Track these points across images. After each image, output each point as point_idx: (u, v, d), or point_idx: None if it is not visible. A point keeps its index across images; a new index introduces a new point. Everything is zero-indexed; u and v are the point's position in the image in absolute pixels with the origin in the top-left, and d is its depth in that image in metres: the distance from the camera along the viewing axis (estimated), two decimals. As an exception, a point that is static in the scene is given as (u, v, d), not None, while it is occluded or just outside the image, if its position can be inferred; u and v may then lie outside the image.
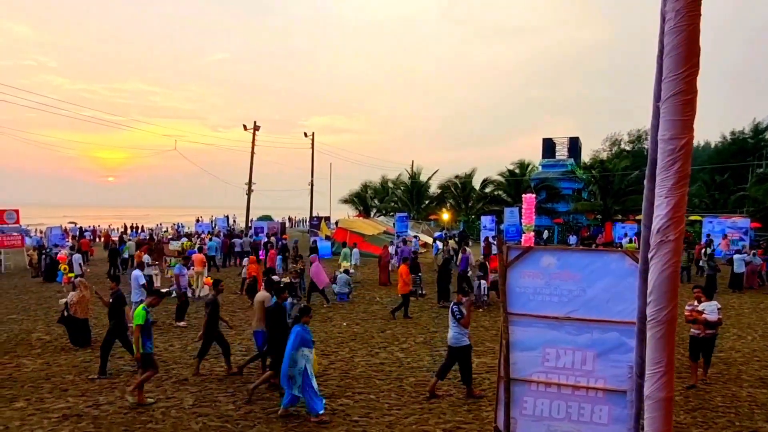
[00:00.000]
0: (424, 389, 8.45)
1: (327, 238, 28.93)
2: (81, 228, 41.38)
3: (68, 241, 29.88)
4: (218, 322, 9.45)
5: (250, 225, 38.66)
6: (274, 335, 8.11)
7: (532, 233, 26.86)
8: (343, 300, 16.17)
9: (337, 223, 35.19)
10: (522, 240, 26.54)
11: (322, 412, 7.22)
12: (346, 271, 16.09)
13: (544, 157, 51.35)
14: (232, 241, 26.96)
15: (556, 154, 51.73)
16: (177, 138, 69.76)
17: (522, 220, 28.24)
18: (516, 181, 42.34)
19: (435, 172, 49.06)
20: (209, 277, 17.33)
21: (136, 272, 13.09)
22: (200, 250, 19.77)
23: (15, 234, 23.95)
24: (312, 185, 43.75)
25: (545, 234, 38.60)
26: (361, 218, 41.16)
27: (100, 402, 7.89)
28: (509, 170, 43.90)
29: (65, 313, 11.16)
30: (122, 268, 23.37)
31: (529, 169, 45.41)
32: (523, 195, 28.69)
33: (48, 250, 23.13)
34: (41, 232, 39.42)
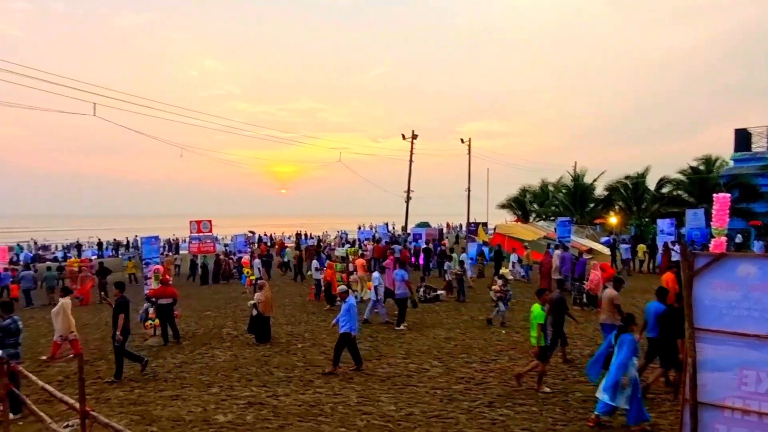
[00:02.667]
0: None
1: (485, 243, 28.56)
2: (259, 236, 46.29)
3: (249, 248, 33.57)
4: (564, 317, 10.18)
5: (408, 231, 39.72)
6: (668, 339, 7.94)
7: (724, 238, 23.50)
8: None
9: (495, 228, 34.56)
10: (710, 245, 23.34)
11: (650, 419, 6.95)
12: (503, 277, 15.59)
13: (736, 150, 44.65)
14: (392, 247, 27.95)
15: (753, 146, 44.70)
16: (341, 150, 74.62)
17: (711, 223, 24.86)
18: (700, 179, 37.47)
19: (602, 173, 45.65)
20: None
21: (376, 274, 14.40)
22: (362, 255, 20.78)
23: (209, 241, 27.52)
24: (469, 191, 43.65)
25: (738, 238, 33.55)
26: (519, 223, 39.94)
27: (278, 393, 8.66)
28: (692, 167, 39.02)
29: (254, 313, 12.47)
30: (283, 271, 26.12)
31: (717, 164, 39.95)
32: (714, 195, 25.21)
33: (203, 258, 26.24)
34: (228, 239, 44.85)
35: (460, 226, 58.09)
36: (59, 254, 45.42)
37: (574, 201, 44.81)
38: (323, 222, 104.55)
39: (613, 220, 42.73)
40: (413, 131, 40.53)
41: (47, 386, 6.91)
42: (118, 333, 9.52)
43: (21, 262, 32.44)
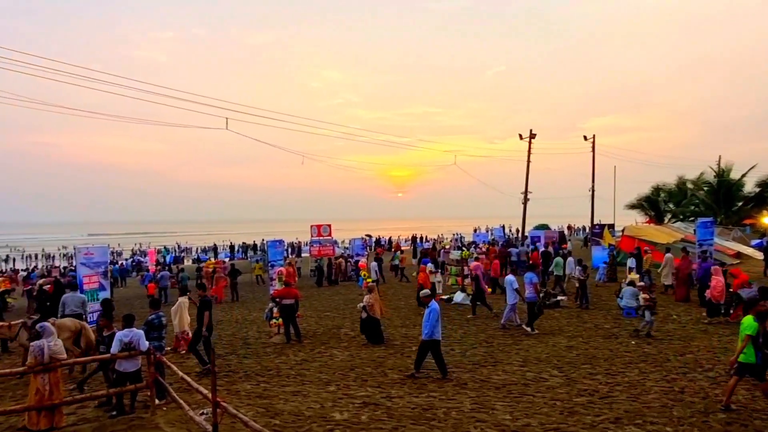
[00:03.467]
0: (738, 430, 6.92)
1: (611, 246, 26.69)
2: (376, 239, 47.47)
3: (366, 251, 34.55)
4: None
5: (525, 234, 38.40)
6: None
7: None
8: (632, 316, 14.58)
9: (623, 230, 32.20)
10: None
11: None
12: (632, 283, 14.42)
13: None
14: (508, 250, 27.15)
15: None
16: (456, 153, 74.49)
17: None
18: None
19: (752, 168, 40.30)
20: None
21: (511, 277, 14.41)
22: (477, 259, 20.39)
23: (328, 245, 28.73)
24: (593, 191, 41.15)
25: None
26: (651, 224, 36.87)
27: (392, 395, 8.75)
28: None
29: (363, 315, 12.80)
30: (395, 273, 26.58)
31: None
32: None
33: (317, 261, 27.03)
34: (347, 242, 46.55)
35: (583, 228, 54.99)
36: (194, 257, 50.40)
37: (717, 199, 40.26)
38: (439, 225, 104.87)
39: (766, 220, 37.79)
40: (531, 130, 39.26)
41: (186, 377, 7.62)
42: (203, 329, 10.53)
43: (167, 264, 36.34)
